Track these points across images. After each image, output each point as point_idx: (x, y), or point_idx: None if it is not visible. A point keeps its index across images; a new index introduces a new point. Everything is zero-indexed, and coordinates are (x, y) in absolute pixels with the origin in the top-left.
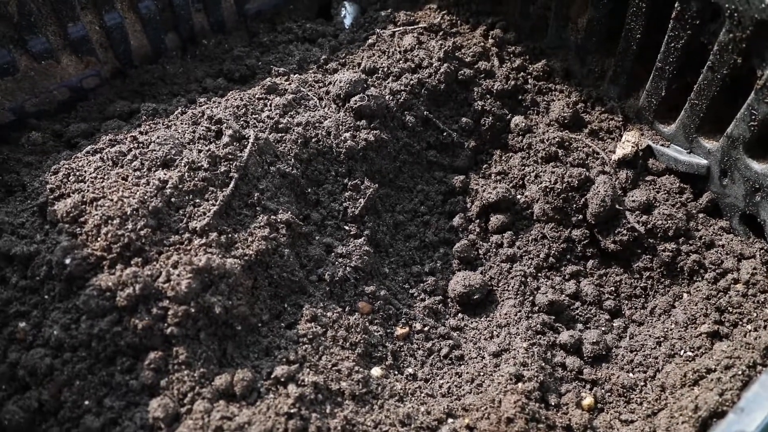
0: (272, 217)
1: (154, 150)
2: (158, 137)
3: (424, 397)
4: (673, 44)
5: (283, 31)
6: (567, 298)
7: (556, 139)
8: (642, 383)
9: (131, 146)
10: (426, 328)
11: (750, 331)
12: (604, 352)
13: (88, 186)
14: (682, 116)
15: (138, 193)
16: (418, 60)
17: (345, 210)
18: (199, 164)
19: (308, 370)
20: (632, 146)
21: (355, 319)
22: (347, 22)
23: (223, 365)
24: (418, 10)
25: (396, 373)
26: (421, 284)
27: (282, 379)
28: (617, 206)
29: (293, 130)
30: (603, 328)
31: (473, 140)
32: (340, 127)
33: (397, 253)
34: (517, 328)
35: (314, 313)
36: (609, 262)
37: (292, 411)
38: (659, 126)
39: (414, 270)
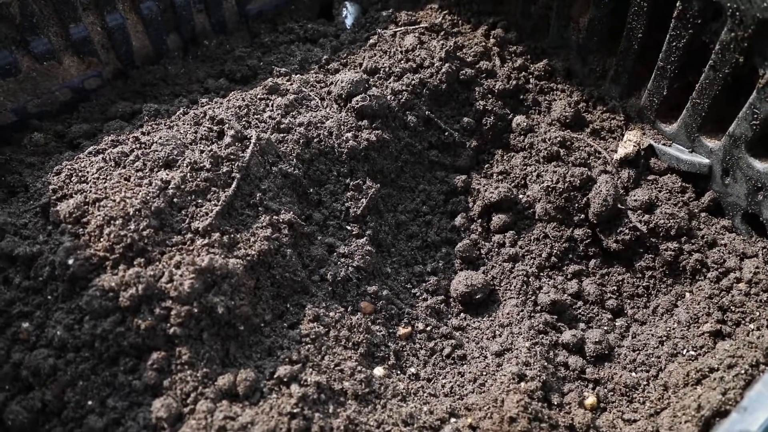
0: (274, 217)
1: (157, 150)
2: (160, 138)
3: (426, 396)
4: (674, 43)
5: (284, 31)
6: (569, 297)
7: (558, 139)
8: (645, 382)
9: (133, 147)
10: (428, 328)
11: (753, 330)
12: (606, 352)
13: (91, 186)
14: (683, 115)
15: (140, 193)
16: (420, 60)
17: (347, 210)
18: (202, 164)
19: (311, 370)
20: (634, 145)
21: (358, 318)
22: (348, 22)
23: (226, 365)
24: (420, 10)
25: (398, 372)
26: (424, 284)
27: (285, 379)
28: (619, 205)
29: (295, 131)
30: (605, 328)
31: (475, 140)
32: (342, 127)
33: (399, 253)
34: (520, 328)
35: (317, 313)
36: (611, 261)
37: (294, 411)
38: (661, 125)
39: (416, 270)
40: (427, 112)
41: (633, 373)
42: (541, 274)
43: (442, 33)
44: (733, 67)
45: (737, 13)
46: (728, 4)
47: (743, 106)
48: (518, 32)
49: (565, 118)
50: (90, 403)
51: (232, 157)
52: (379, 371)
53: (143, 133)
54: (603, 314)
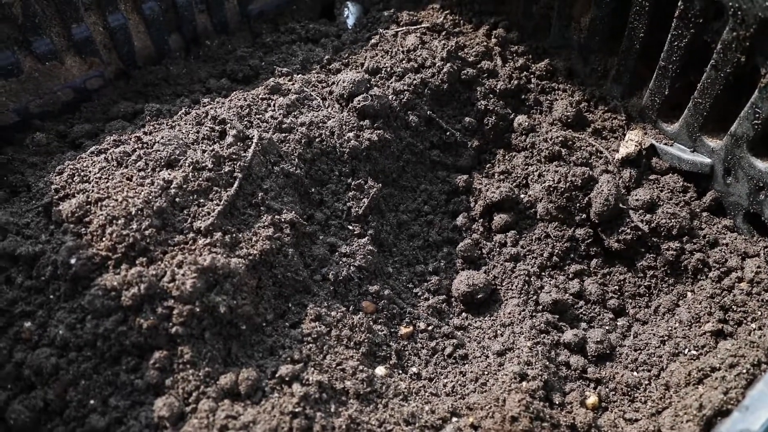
0: (276, 216)
1: (158, 150)
2: (162, 137)
3: (428, 396)
4: (676, 43)
5: (286, 31)
6: (571, 297)
7: (560, 139)
8: (646, 382)
9: (135, 146)
10: (430, 328)
11: (754, 329)
12: (608, 351)
13: (93, 186)
14: (685, 115)
15: (142, 193)
16: (421, 60)
17: (349, 210)
18: (204, 164)
19: (312, 369)
20: (635, 145)
21: (359, 318)
22: (350, 22)
23: (228, 364)
24: (421, 10)
25: (400, 372)
26: (425, 284)
27: (286, 379)
28: (621, 205)
29: (297, 130)
30: (607, 327)
31: (476, 140)
32: (344, 126)
33: (401, 253)
34: (521, 327)
35: (318, 313)
36: (613, 261)
37: (296, 410)
38: (662, 125)
39: (418, 269)
40: (428, 112)
41: (634, 373)
42: (543, 273)
43: (443, 33)
44: (735, 66)
45: (739, 13)
46: (730, 4)
47: (745, 106)
48: (520, 32)
49: (566, 118)
50: (92, 402)
51: (234, 156)
52: (380, 371)
53: (145, 133)
54: (604, 314)
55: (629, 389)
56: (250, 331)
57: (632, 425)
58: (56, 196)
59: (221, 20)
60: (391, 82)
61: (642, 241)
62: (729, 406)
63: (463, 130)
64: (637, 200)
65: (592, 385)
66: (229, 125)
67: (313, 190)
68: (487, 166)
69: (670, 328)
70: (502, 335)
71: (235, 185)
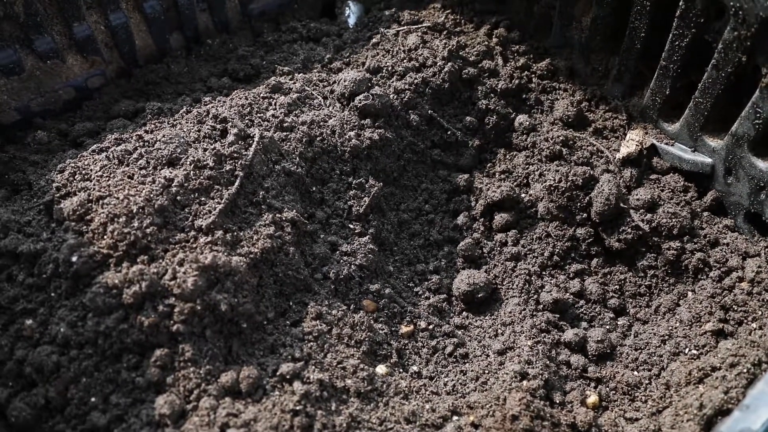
0: (277, 215)
1: (160, 149)
2: (164, 136)
3: (428, 394)
4: (677, 43)
5: (287, 30)
6: (571, 296)
7: (561, 138)
8: (647, 381)
9: (137, 145)
10: (431, 327)
11: (755, 329)
12: (608, 351)
13: (94, 184)
14: (686, 115)
15: (144, 191)
16: (423, 59)
17: (350, 208)
18: (205, 163)
19: (313, 367)
20: (636, 145)
21: (360, 317)
22: (351, 21)
23: (229, 362)
24: (422, 10)
25: (401, 370)
26: (426, 282)
27: (287, 377)
28: (621, 205)
29: (298, 129)
30: (607, 327)
31: (477, 139)
32: (345, 125)
33: (402, 252)
34: (522, 327)
35: (319, 311)
36: (613, 260)
37: (297, 408)
38: (663, 124)
39: (418, 268)
40: (429, 111)
41: (635, 372)
42: (544, 273)
43: (444, 32)
44: (736, 66)
45: (740, 12)
46: (731, 3)
47: (746, 106)
48: (521, 31)
49: (567, 118)
50: (93, 399)
51: (235, 155)
52: (381, 369)
53: (146, 132)
54: (605, 313)
55: (630, 388)
56: (251, 330)
57: (633, 424)
58: (57, 194)
59: (222, 19)
60: (392, 82)
61: (643, 241)
62: (729, 406)
63: (464, 129)
64: (637, 200)
65: (593, 384)
66: (230, 124)
67: (314, 188)
68: (488, 165)
69: (670, 328)
70: (502, 334)
71: (237, 184)
